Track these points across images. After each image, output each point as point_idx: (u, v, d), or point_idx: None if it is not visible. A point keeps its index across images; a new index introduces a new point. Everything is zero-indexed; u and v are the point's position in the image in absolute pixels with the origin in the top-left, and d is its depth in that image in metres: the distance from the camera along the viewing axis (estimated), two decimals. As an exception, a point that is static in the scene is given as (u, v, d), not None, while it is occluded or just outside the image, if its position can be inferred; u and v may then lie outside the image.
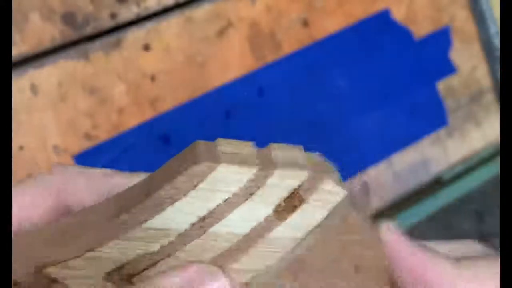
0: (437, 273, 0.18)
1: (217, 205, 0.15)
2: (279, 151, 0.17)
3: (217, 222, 0.15)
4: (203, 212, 0.15)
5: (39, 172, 0.25)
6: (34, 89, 0.39)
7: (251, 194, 0.16)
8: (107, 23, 0.41)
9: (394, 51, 0.49)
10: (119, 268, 0.16)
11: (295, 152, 0.17)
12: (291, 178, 0.16)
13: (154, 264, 0.15)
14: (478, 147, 0.53)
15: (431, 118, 0.51)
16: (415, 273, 0.19)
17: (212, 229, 0.15)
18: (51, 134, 0.40)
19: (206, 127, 0.43)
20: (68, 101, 0.40)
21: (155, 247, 0.15)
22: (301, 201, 0.16)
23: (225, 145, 0.16)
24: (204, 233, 0.15)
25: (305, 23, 0.46)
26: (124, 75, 0.41)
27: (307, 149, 0.18)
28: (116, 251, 0.15)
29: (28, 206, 0.19)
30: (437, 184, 0.55)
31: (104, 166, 0.40)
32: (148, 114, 0.42)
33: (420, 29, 0.50)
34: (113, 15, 0.41)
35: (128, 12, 0.41)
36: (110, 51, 0.41)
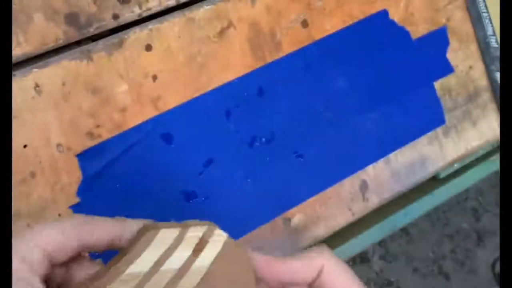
0: (284, 265, 0.31)
1: (161, 254, 0.27)
2: (189, 221, 0.30)
3: (164, 264, 0.27)
4: (155, 259, 0.27)
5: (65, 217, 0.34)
6: (37, 88, 0.40)
7: (178, 245, 0.28)
8: (110, 23, 0.41)
9: (392, 51, 0.49)
10: None
11: (197, 221, 0.30)
12: (198, 231, 0.29)
13: None
14: (475, 146, 0.53)
15: (429, 117, 0.51)
16: (272, 271, 0.31)
17: (162, 268, 0.27)
18: (54, 133, 0.40)
19: (206, 126, 0.44)
20: (71, 100, 0.40)
21: (133, 284, 0.26)
22: (205, 243, 0.29)
23: (162, 223, 0.28)
24: (157, 271, 0.27)
25: (305, 24, 0.47)
26: (126, 75, 0.42)
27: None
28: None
29: (59, 240, 0.27)
30: (434, 182, 0.56)
31: (106, 164, 0.41)
32: (150, 113, 0.42)
33: (418, 29, 0.50)
34: (115, 16, 0.41)
35: (130, 13, 0.42)
36: (113, 51, 0.41)
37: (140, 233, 0.28)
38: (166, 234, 0.28)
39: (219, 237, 0.29)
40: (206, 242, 0.29)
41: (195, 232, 0.29)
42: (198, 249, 0.28)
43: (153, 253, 0.27)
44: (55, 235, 0.27)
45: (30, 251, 0.26)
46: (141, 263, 0.26)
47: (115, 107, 0.41)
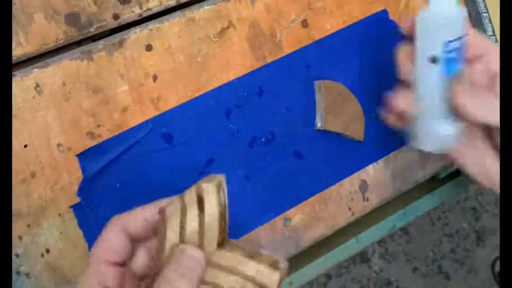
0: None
1: (179, 223, 0.34)
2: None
3: (186, 228, 0.34)
4: (178, 228, 0.34)
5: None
6: (38, 88, 0.40)
7: (185, 211, 0.34)
8: (110, 23, 0.41)
9: (392, 51, 0.49)
10: None
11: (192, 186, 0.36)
12: (192, 194, 0.35)
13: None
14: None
15: (429, 117, 0.51)
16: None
17: (187, 232, 0.34)
18: (55, 132, 0.40)
19: (206, 126, 0.44)
20: (72, 100, 0.40)
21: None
22: (201, 198, 0.34)
23: (167, 201, 0.36)
24: (185, 235, 0.34)
25: (305, 24, 0.47)
26: (127, 74, 0.42)
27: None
28: None
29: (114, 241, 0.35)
30: (434, 182, 0.56)
31: (107, 164, 0.41)
32: (150, 113, 0.42)
33: (418, 29, 0.50)
34: (116, 16, 0.41)
35: (130, 13, 0.42)
36: (113, 51, 0.41)
37: (160, 215, 0.35)
38: (173, 209, 0.35)
39: (208, 187, 0.35)
40: (202, 197, 0.34)
41: (190, 195, 0.35)
42: (200, 206, 0.34)
43: (174, 225, 0.34)
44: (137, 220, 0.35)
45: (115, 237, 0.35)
46: (172, 235, 0.34)
47: (115, 107, 0.41)
